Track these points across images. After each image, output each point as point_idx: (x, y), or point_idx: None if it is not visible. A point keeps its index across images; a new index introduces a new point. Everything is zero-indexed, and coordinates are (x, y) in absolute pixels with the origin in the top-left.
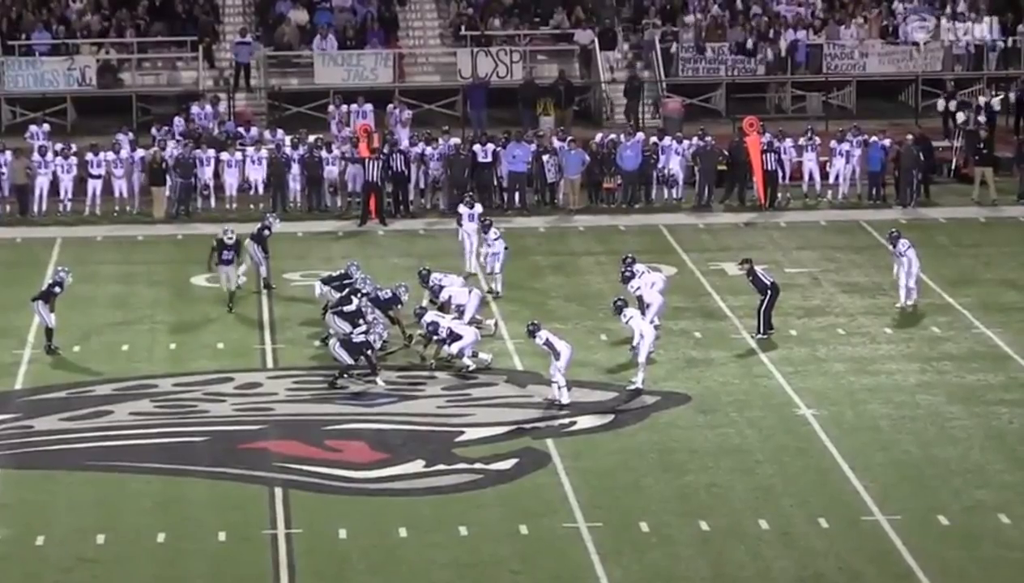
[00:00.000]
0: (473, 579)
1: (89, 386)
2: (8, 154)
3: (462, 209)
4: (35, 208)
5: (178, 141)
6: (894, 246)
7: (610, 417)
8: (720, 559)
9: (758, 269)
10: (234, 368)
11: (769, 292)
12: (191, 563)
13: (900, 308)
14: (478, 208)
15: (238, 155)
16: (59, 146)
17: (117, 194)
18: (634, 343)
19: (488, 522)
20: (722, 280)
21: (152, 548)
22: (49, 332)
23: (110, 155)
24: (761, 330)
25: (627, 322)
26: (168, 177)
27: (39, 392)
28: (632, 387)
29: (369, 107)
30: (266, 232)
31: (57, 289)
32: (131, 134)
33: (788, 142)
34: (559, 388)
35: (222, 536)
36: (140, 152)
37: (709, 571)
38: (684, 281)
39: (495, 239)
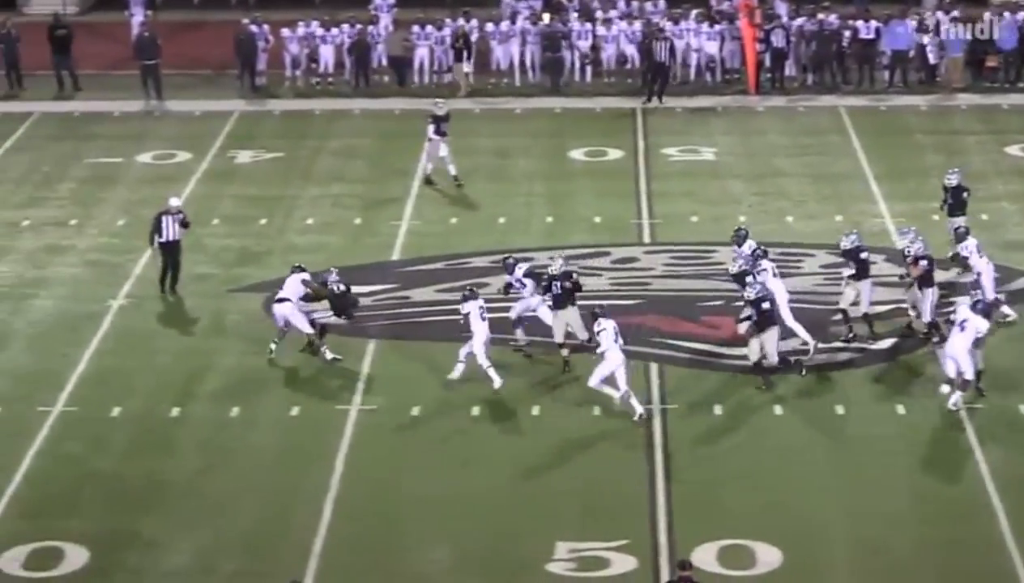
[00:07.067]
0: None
1: (465, 258)
2: (387, 19)
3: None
4: (415, 79)
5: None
6: None
7: None
8: None
9: None
10: (611, 242)
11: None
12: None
13: None
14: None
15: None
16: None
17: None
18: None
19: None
20: None
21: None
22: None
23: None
24: None
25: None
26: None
27: (415, 263)
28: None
29: None
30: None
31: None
32: None
33: None
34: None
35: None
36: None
37: None
38: None
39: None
